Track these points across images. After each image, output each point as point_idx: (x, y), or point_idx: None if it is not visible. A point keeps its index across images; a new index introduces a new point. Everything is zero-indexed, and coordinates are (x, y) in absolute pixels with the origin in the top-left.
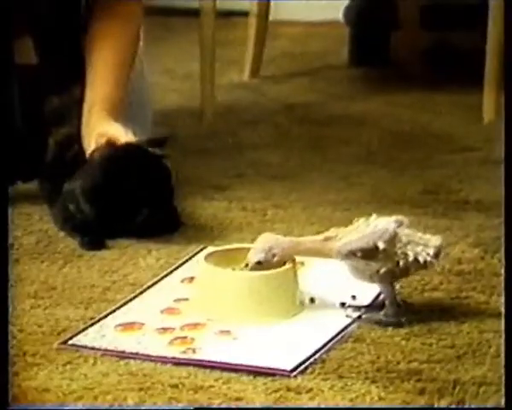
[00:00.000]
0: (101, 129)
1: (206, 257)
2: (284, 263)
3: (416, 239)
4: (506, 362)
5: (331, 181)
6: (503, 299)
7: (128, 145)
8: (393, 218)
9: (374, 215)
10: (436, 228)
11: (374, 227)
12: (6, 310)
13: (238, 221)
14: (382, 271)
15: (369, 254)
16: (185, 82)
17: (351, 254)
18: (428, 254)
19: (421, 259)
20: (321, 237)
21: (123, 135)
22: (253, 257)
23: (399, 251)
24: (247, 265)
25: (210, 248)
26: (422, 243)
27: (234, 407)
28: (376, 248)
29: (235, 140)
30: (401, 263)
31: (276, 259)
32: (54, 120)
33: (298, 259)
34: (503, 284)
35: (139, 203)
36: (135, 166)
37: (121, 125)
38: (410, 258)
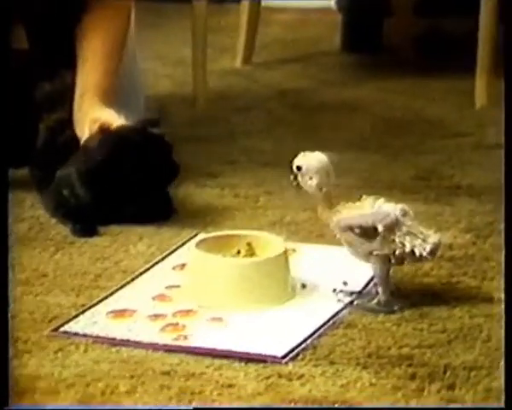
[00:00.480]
0: (94, 115)
1: (198, 244)
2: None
3: (416, 232)
4: (506, 362)
5: None
6: (494, 283)
7: (126, 127)
8: (400, 206)
9: (382, 199)
10: (427, 214)
11: (378, 208)
12: (6, 309)
13: (230, 208)
14: (376, 253)
15: (366, 233)
16: (177, 68)
17: (348, 229)
18: (425, 249)
19: (417, 252)
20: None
21: (116, 120)
22: (299, 160)
23: (398, 239)
24: (238, 251)
25: (202, 235)
26: (421, 238)
27: (234, 406)
28: (375, 229)
29: (227, 127)
30: (397, 251)
31: (310, 182)
32: (45, 106)
33: (289, 245)
34: (503, 271)
35: (137, 188)
36: (134, 147)
37: (114, 110)
38: (407, 249)
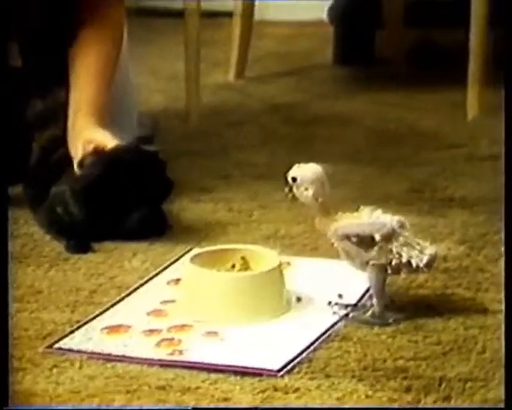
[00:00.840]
0: (89, 135)
1: (192, 258)
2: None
3: (412, 243)
4: (506, 362)
5: None
6: (488, 295)
7: (120, 146)
8: (397, 217)
9: (379, 210)
10: (421, 226)
11: (375, 219)
12: (6, 310)
13: (224, 222)
14: (373, 263)
15: (363, 242)
16: (170, 83)
17: (345, 238)
18: (422, 260)
19: (413, 263)
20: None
21: (110, 141)
22: (294, 171)
23: (395, 250)
24: (233, 266)
25: (196, 250)
26: (418, 249)
27: (232, 406)
28: (372, 238)
29: (220, 141)
30: (394, 262)
31: (306, 193)
32: (37, 124)
33: (284, 259)
34: (503, 279)
35: (131, 205)
36: (128, 165)
37: (107, 130)
38: (404, 259)
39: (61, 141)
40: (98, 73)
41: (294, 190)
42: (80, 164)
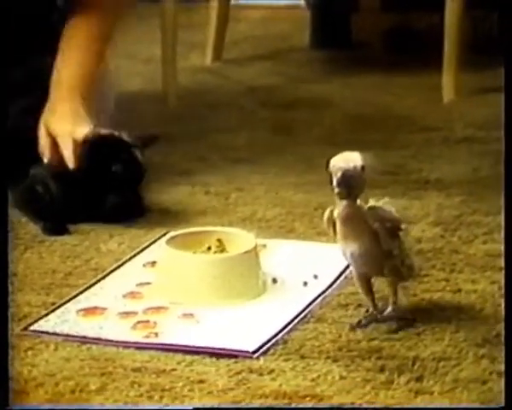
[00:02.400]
0: (52, 124)
1: (168, 241)
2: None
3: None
4: (506, 362)
5: (294, 163)
6: (462, 276)
7: (97, 133)
8: None
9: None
10: (396, 208)
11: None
12: (6, 310)
13: (201, 205)
14: (395, 253)
15: (392, 230)
16: (147, 66)
17: (380, 220)
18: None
19: (416, 269)
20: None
21: (77, 134)
22: (357, 159)
23: (407, 251)
24: (209, 248)
25: (172, 232)
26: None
27: (234, 406)
28: (399, 229)
29: (198, 124)
30: (407, 262)
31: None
32: (15, 92)
33: (260, 241)
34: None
35: (107, 189)
36: (105, 153)
37: (85, 108)
38: (411, 262)
39: (40, 113)
40: (86, 50)
41: (357, 180)
42: (42, 153)
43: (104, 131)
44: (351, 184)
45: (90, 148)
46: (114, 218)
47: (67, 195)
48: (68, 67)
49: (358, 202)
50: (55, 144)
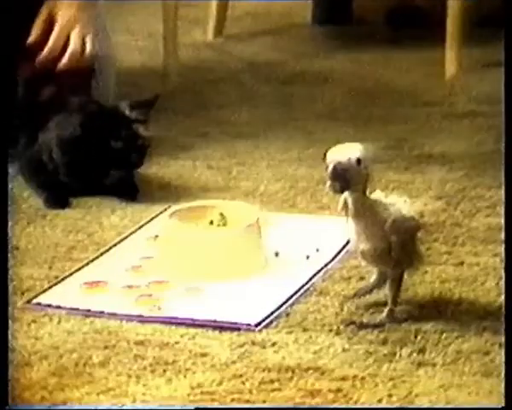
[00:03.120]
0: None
1: (171, 215)
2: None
3: None
4: (506, 362)
5: (296, 138)
6: (465, 249)
7: (104, 107)
8: None
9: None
10: (399, 182)
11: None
12: (6, 310)
13: (203, 180)
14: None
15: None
16: (148, 41)
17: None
18: None
19: (424, 257)
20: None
21: (78, 36)
22: (352, 151)
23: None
24: (211, 222)
25: (175, 206)
26: None
27: (237, 406)
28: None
29: (199, 99)
30: (416, 250)
31: (366, 172)
32: (24, 55)
33: (262, 215)
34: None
35: (108, 165)
36: (105, 128)
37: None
38: (420, 251)
39: (50, 76)
40: None
41: (353, 173)
42: (30, 45)
43: (106, 106)
44: (344, 178)
45: (91, 121)
46: (115, 194)
47: (71, 165)
48: None
49: (372, 196)
50: (49, 31)
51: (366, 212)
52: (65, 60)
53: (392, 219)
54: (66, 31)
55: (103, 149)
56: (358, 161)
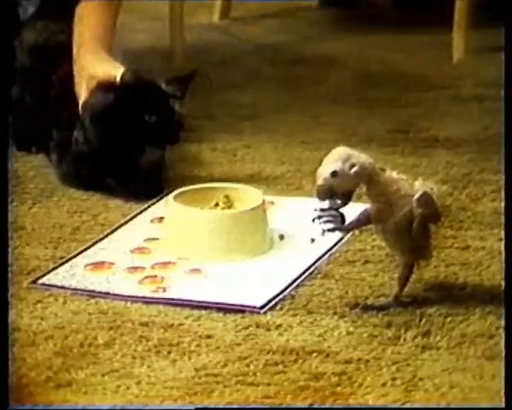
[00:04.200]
0: (92, 71)
1: (176, 197)
2: (352, 189)
3: None
4: (506, 361)
5: (301, 121)
6: (470, 233)
7: (141, 79)
8: None
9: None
10: (405, 166)
11: None
12: (6, 311)
13: (209, 162)
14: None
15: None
16: (154, 23)
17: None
18: None
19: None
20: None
21: (113, 73)
22: (326, 169)
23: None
24: (216, 204)
25: (180, 188)
26: None
27: (238, 406)
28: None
29: (205, 81)
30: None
31: (354, 170)
32: (57, 55)
33: (267, 198)
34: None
35: (143, 139)
36: (141, 100)
37: (110, 59)
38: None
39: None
40: (101, 11)
41: (339, 185)
42: (84, 106)
43: (144, 78)
44: (336, 194)
45: (126, 91)
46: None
47: (104, 138)
48: (89, 28)
49: (394, 174)
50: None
51: (388, 189)
52: None
53: (421, 192)
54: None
55: (137, 122)
56: (334, 173)
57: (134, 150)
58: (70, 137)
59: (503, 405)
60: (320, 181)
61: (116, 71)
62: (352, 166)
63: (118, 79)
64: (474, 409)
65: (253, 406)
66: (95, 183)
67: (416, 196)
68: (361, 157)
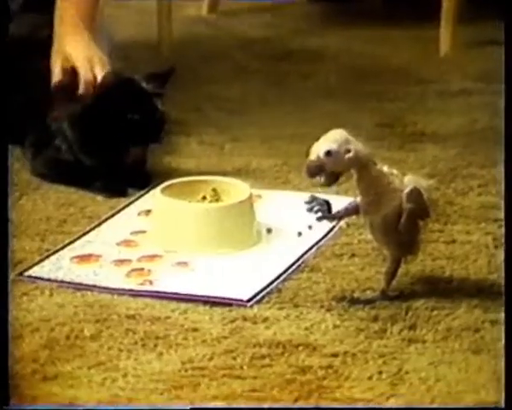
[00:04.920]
0: (69, 50)
1: (163, 190)
2: (339, 174)
3: None
4: (506, 362)
5: (289, 115)
6: (457, 227)
7: (118, 77)
8: None
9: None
10: (392, 160)
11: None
12: (6, 310)
13: (196, 155)
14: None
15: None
16: (142, 16)
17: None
18: None
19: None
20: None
21: (86, 67)
22: (321, 146)
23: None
24: (204, 197)
25: (167, 181)
26: None
27: (232, 406)
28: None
29: (192, 74)
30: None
31: (348, 155)
32: (40, 48)
33: (255, 191)
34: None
35: (126, 139)
36: (123, 99)
37: (90, 42)
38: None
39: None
40: None
41: (331, 165)
42: (56, 87)
43: (122, 77)
44: (325, 172)
45: (107, 91)
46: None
47: (84, 141)
48: (71, 3)
49: (385, 168)
50: (72, 72)
51: (378, 182)
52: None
53: (411, 187)
54: (89, 66)
55: (119, 122)
56: (328, 152)
57: (118, 151)
58: (46, 136)
59: (502, 405)
60: (313, 157)
61: (94, 56)
62: (348, 151)
63: (100, 71)
64: (475, 409)
65: (246, 406)
66: (77, 185)
67: (406, 190)
68: (358, 145)
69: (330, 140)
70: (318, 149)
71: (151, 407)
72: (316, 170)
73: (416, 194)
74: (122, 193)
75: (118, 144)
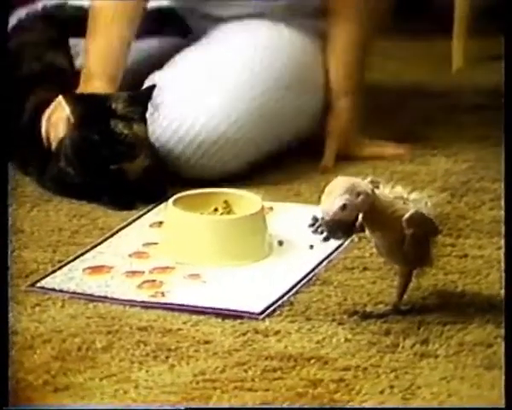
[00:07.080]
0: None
1: (175, 201)
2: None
3: None
4: (506, 362)
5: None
6: (469, 241)
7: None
8: None
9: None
10: (403, 173)
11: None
12: (6, 311)
13: None
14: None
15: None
16: None
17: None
18: None
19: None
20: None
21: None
22: (333, 203)
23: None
24: (216, 209)
25: (179, 193)
26: None
27: (233, 406)
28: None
29: None
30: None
31: (361, 198)
32: (33, 83)
33: (266, 204)
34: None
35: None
36: (86, 118)
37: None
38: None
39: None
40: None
41: (348, 217)
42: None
43: (99, 96)
44: (343, 226)
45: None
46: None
47: (87, 166)
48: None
49: (386, 190)
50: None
51: (381, 215)
52: None
53: (411, 213)
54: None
55: (86, 141)
56: (343, 207)
57: (101, 168)
58: (49, 159)
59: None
60: (329, 216)
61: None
62: (358, 194)
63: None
64: (474, 409)
65: (247, 406)
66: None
67: (406, 216)
68: (362, 184)
69: (339, 193)
70: (332, 207)
71: (151, 406)
72: (337, 227)
73: (416, 218)
74: (129, 206)
75: (97, 163)
